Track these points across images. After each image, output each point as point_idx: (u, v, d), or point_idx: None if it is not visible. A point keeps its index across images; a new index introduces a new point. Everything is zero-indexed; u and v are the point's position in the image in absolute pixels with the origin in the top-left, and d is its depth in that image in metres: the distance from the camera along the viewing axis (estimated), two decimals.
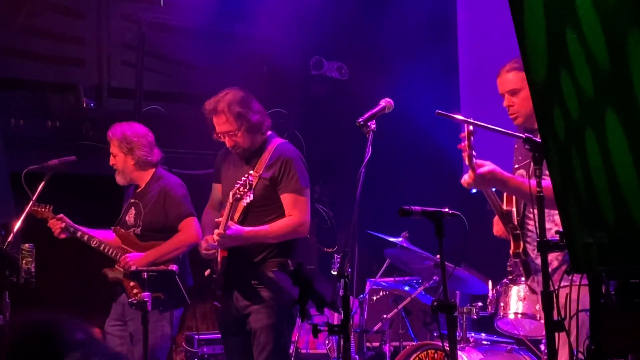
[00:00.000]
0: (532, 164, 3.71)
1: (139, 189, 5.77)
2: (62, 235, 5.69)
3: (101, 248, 5.68)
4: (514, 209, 4.20)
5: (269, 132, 5.13)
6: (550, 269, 4.11)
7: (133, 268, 5.45)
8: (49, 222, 5.68)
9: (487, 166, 3.95)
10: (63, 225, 5.65)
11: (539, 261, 4.11)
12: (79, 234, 5.69)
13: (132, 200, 5.78)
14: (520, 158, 4.30)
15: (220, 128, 5.00)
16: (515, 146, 4.38)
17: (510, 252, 4.23)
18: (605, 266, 2.74)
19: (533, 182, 3.59)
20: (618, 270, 2.75)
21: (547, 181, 3.50)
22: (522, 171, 4.25)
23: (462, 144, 3.85)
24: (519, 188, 3.98)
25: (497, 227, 4.33)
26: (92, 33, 7.81)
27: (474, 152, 3.87)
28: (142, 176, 5.76)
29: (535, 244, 4.10)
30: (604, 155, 2.51)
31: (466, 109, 7.56)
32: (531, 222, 4.16)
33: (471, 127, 3.84)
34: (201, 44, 8.06)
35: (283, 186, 4.96)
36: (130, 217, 5.74)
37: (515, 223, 4.19)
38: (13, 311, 5.39)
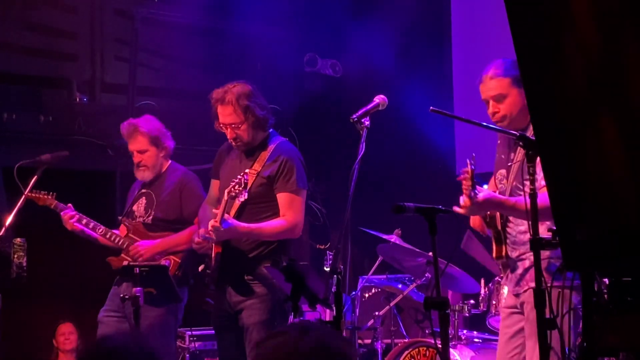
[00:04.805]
0: (522, 163, 3.73)
1: (151, 180, 5.68)
2: (75, 226, 5.59)
3: (107, 236, 5.62)
4: (497, 213, 4.23)
5: (271, 130, 5.11)
6: (522, 269, 4.15)
7: (144, 258, 5.44)
8: (61, 213, 5.61)
9: (482, 193, 3.99)
10: (76, 215, 5.60)
11: (516, 260, 4.17)
12: (84, 221, 5.63)
13: (144, 191, 5.70)
14: (503, 157, 4.31)
15: (224, 119, 4.98)
16: (499, 142, 4.39)
17: (493, 255, 4.28)
18: (597, 264, 2.75)
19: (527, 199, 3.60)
20: (610, 268, 2.76)
21: (543, 194, 3.51)
22: (502, 171, 4.27)
23: (463, 176, 3.90)
24: (515, 207, 4.02)
25: (474, 221, 4.38)
26: (85, 28, 7.80)
27: (475, 192, 3.92)
28: (163, 167, 5.71)
29: (514, 245, 4.16)
30: (598, 153, 2.51)
31: (459, 107, 7.56)
32: (511, 225, 4.21)
33: (473, 166, 3.90)
34: (194, 39, 8.06)
35: (280, 185, 4.95)
36: (139, 207, 5.67)
37: (499, 227, 4.22)
38: (5, 305, 5.38)
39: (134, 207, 5.70)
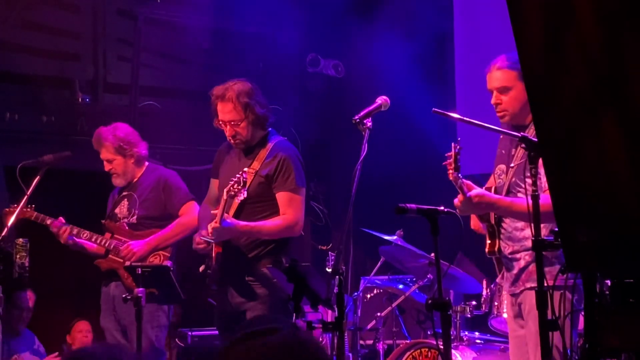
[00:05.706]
0: (524, 162, 3.73)
1: (132, 182, 5.77)
2: (68, 239, 5.66)
3: (93, 240, 5.67)
4: None
5: (270, 129, 5.12)
6: (517, 269, 4.15)
7: (137, 257, 5.46)
8: (53, 229, 5.66)
9: (476, 190, 3.98)
10: (68, 228, 5.65)
11: (510, 257, 4.16)
12: (68, 228, 5.69)
13: (125, 193, 5.77)
14: (503, 152, 4.31)
15: (224, 116, 4.98)
16: (501, 136, 4.38)
17: (486, 250, 4.27)
18: (599, 265, 2.75)
19: (529, 200, 3.58)
20: (612, 269, 2.75)
21: (545, 195, 3.51)
22: (502, 166, 4.27)
23: (448, 161, 3.89)
24: (509, 208, 4.01)
25: (475, 221, 4.38)
26: (88, 28, 7.80)
27: (460, 176, 3.90)
28: (139, 172, 5.78)
29: (509, 241, 4.15)
30: (600, 153, 2.51)
31: (462, 108, 7.55)
32: (507, 220, 4.19)
33: (458, 147, 3.87)
34: (197, 40, 8.06)
35: (278, 184, 4.95)
36: (122, 208, 5.74)
37: (492, 221, 4.22)
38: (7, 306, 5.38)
39: (117, 210, 5.77)
